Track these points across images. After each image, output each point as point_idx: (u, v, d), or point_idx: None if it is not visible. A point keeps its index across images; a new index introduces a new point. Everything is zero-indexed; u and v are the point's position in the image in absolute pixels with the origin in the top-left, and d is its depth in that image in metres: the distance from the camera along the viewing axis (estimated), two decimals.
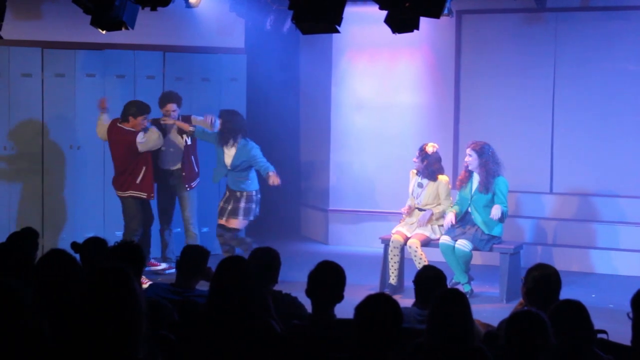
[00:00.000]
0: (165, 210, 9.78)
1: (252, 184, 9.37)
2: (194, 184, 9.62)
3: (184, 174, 9.52)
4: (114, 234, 9.48)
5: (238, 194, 9.30)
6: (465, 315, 3.97)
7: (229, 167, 9.30)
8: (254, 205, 9.35)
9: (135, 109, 9.09)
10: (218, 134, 9.31)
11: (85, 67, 10.22)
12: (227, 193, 9.39)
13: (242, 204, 9.29)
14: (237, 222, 9.32)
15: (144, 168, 9.15)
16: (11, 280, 3.19)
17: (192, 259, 5.70)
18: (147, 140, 9.10)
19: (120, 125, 9.15)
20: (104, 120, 9.33)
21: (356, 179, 11.58)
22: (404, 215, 9.00)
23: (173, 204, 9.78)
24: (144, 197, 9.20)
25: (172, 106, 9.35)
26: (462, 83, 11.11)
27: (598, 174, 10.44)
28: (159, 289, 5.65)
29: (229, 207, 9.31)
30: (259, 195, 9.42)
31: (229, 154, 9.28)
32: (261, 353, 4.17)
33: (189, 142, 9.54)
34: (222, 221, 9.33)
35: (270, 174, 9.09)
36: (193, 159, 9.59)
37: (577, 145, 10.55)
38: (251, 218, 9.38)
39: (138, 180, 9.14)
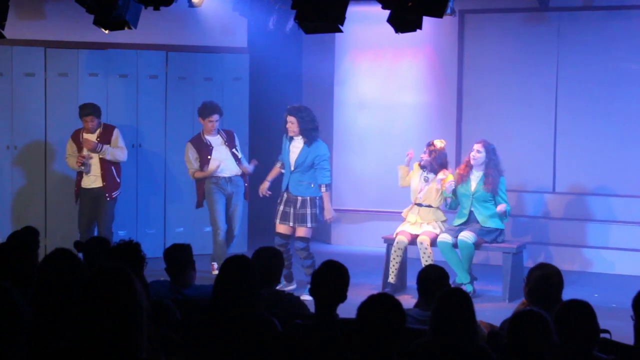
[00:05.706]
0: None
1: (317, 190, 8.68)
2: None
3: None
4: (117, 233, 9.50)
5: (299, 198, 8.65)
6: (468, 315, 3.98)
7: (292, 167, 8.68)
8: (317, 211, 8.66)
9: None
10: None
11: (88, 66, 10.23)
12: (285, 195, 8.74)
13: (309, 210, 8.60)
14: (304, 231, 8.63)
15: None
16: (2, 283, 3.17)
17: (174, 259, 5.73)
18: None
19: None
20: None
21: (359, 178, 11.57)
22: (404, 212, 9.01)
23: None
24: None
25: (216, 117, 9.32)
26: (464, 82, 11.10)
27: (601, 172, 10.42)
28: (160, 287, 5.65)
29: (292, 212, 8.65)
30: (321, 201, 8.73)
31: (295, 150, 8.70)
32: (264, 352, 4.17)
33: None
34: (282, 228, 8.70)
35: (322, 187, 8.58)
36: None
37: (580, 144, 10.53)
38: (315, 225, 8.73)
39: None
